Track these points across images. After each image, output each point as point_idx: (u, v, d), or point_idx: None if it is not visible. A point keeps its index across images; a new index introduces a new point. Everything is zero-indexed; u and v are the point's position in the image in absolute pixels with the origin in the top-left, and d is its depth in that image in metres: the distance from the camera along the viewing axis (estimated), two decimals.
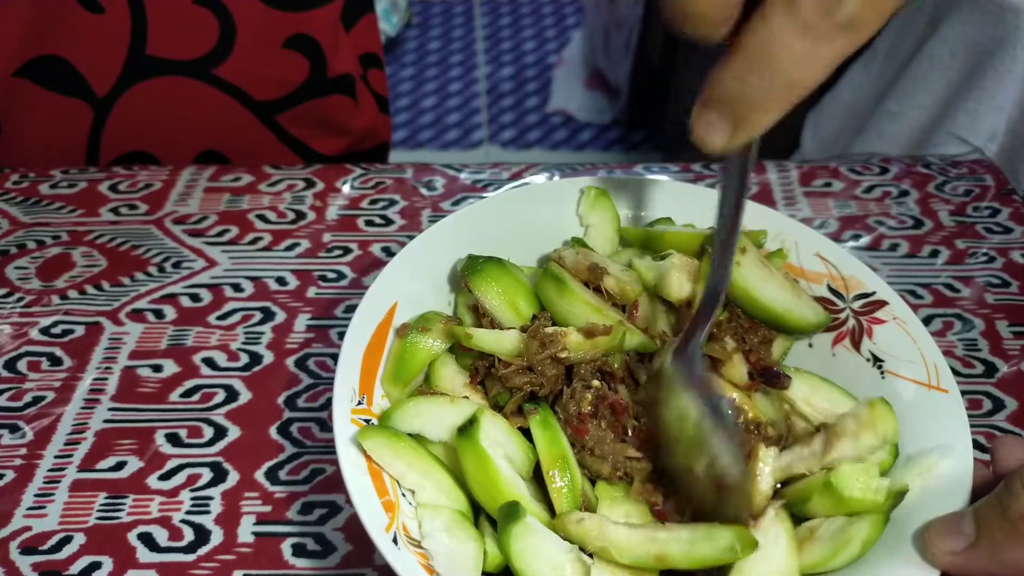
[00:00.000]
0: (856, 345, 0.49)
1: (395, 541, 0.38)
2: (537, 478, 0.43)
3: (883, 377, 0.48)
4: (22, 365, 0.58)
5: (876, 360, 0.49)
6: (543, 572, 0.38)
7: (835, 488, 0.41)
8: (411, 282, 0.48)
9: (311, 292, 0.64)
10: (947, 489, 0.41)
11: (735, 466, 0.40)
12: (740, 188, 0.39)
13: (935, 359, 0.47)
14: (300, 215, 0.70)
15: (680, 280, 0.47)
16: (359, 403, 0.43)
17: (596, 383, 0.45)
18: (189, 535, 0.49)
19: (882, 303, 0.50)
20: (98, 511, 0.50)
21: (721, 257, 0.41)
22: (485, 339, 0.44)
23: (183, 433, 0.54)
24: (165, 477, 0.52)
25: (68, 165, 0.74)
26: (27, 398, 0.56)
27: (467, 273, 0.48)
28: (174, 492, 0.51)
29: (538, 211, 0.54)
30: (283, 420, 0.55)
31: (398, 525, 0.39)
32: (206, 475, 0.52)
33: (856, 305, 0.51)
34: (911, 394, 0.46)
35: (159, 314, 0.62)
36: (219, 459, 0.53)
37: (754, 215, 0.53)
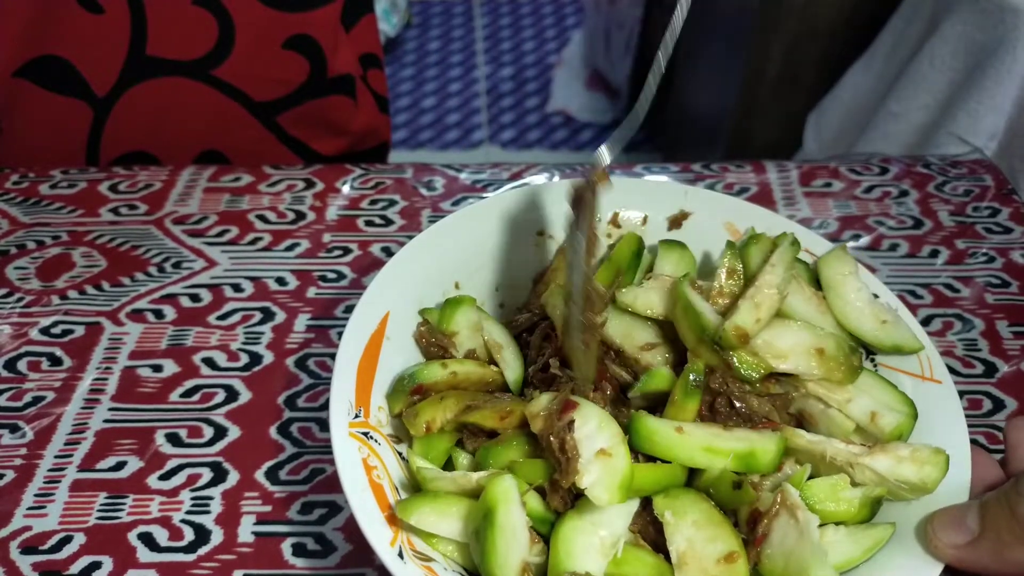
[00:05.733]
0: None
1: (400, 555, 0.38)
2: None
3: (876, 369, 0.48)
4: (22, 365, 0.58)
5: (868, 353, 0.49)
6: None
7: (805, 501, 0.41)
8: (401, 291, 0.48)
9: (311, 292, 0.64)
10: (945, 480, 0.41)
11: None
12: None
13: (927, 351, 0.47)
14: (300, 215, 0.70)
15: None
16: (356, 416, 0.43)
17: None
18: (189, 535, 0.49)
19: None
20: (98, 511, 0.50)
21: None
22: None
23: (183, 433, 0.54)
24: (165, 477, 0.52)
25: (68, 165, 0.74)
26: (27, 398, 0.56)
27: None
28: (174, 492, 0.51)
29: (526, 215, 0.53)
30: (283, 420, 0.55)
31: (403, 539, 0.39)
32: (206, 475, 0.52)
33: None
34: (907, 387, 0.46)
35: (159, 314, 0.62)
36: (219, 459, 0.53)
37: (741, 212, 0.54)
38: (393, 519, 0.39)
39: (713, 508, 0.40)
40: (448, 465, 0.45)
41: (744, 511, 0.41)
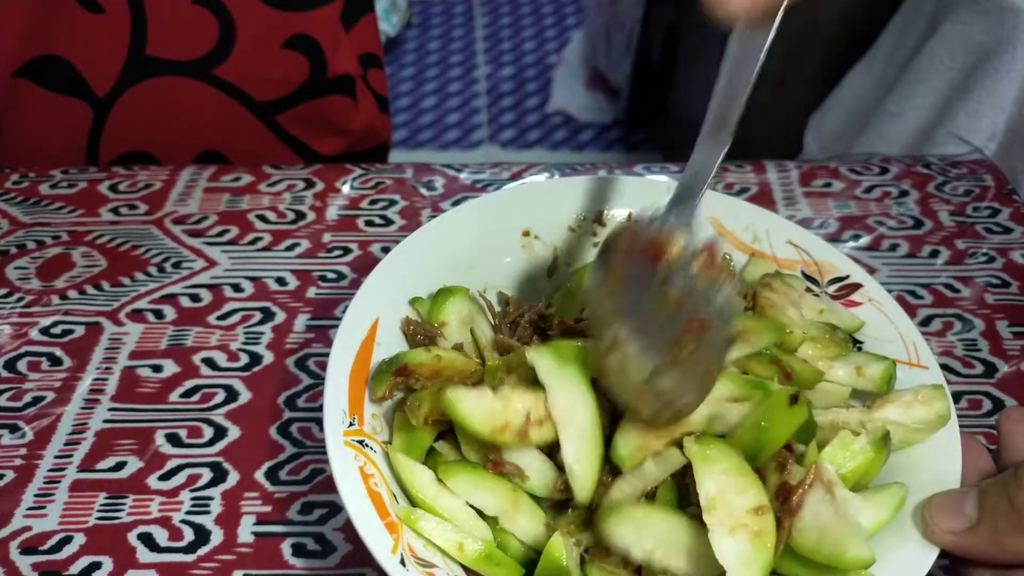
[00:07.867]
0: None
1: (403, 563, 0.38)
2: None
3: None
4: (22, 365, 0.58)
5: (856, 342, 0.49)
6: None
7: None
8: (389, 297, 0.48)
9: (311, 292, 0.64)
10: (936, 467, 0.42)
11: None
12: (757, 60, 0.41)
13: (913, 337, 0.48)
14: (300, 215, 0.70)
15: None
16: (351, 424, 0.43)
17: None
18: (189, 535, 0.49)
19: (857, 285, 0.51)
20: (98, 511, 0.50)
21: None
22: None
23: (183, 433, 0.54)
24: (165, 477, 0.52)
25: (68, 165, 0.74)
26: (27, 398, 0.56)
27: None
28: (174, 492, 0.51)
29: (510, 216, 0.54)
30: (283, 420, 0.55)
31: (404, 546, 0.39)
32: (206, 475, 0.52)
33: (831, 289, 0.51)
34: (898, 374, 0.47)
35: (159, 314, 0.62)
36: (219, 459, 0.53)
37: (725, 207, 0.54)
38: (393, 526, 0.39)
39: (744, 462, 0.39)
40: (430, 457, 0.45)
41: (773, 480, 0.40)
